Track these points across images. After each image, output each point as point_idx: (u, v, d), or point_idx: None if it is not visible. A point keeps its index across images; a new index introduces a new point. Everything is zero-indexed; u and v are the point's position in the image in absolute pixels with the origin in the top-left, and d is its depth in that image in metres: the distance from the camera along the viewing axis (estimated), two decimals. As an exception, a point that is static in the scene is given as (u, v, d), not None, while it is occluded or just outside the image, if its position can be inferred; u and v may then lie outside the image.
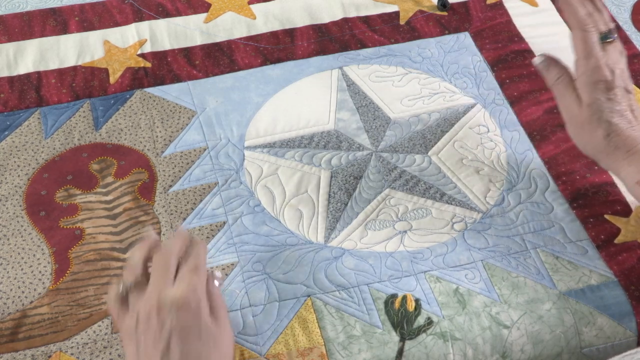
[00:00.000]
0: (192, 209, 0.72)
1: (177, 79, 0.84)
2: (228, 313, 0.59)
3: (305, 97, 0.82)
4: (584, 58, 0.67)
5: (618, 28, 0.90)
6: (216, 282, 0.59)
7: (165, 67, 0.85)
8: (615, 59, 0.67)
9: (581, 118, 0.67)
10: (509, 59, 0.87)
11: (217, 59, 0.86)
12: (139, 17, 0.90)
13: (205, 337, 0.54)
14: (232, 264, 0.68)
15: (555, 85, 0.70)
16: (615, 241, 0.70)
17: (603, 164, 0.68)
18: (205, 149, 0.77)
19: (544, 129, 0.79)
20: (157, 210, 0.71)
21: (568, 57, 0.88)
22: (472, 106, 0.82)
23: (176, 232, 0.64)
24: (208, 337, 0.54)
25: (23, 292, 0.66)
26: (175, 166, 0.75)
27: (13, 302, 0.65)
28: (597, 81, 0.66)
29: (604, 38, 0.67)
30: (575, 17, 0.68)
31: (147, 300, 0.55)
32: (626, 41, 0.89)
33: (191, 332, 0.53)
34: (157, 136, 0.78)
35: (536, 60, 0.72)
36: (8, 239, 0.69)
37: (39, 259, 0.68)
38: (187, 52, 0.87)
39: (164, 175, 0.74)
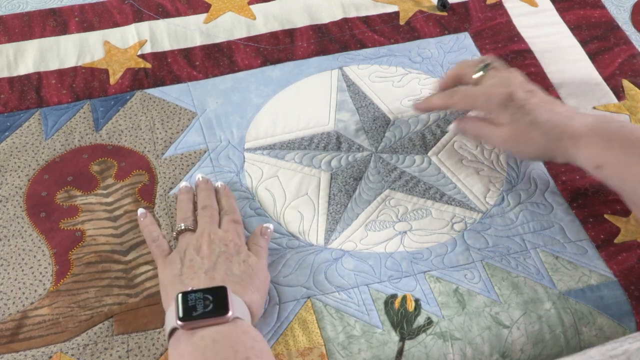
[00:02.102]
0: (193, 210, 0.72)
1: (177, 79, 0.84)
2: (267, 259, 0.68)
3: (305, 98, 0.82)
4: (474, 101, 0.71)
5: (617, 28, 0.90)
6: (271, 226, 0.69)
7: (166, 68, 0.85)
8: (498, 79, 0.70)
9: (511, 136, 0.69)
10: (509, 59, 0.87)
11: (217, 59, 0.86)
12: (139, 17, 0.90)
13: (245, 265, 0.63)
14: (233, 265, 0.68)
15: (477, 132, 0.73)
16: (615, 241, 0.70)
17: (559, 160, 0.69)
18: (205, 151, 0.77)
19: (543, 129, 0.79)
20: (157, 213, 0.71)
21: (568, 57, 0.88)
22: (472, 106, 0.82)
23: (201, 182, 0.72)
24: (247, 266, 0.63)
25: (24, 293, 0.66)
26: (175, 168, 0.75)
27: (14, 303, 0.65)
28: (498, 101, 0.68)
29: (484, 68, 0.71)
30: (445, 102, 0.74)
31: (199, 236, 0.65)
32: (626, 41, 0.89)
33: (234, 259, 0.63)
34: (157, 138, 0.78)
35: (451, 130, 0.76)
36: (8, 240, 0.69)
37: (39, 260, 0.68)
38: (187, 53, 0.87)
39: (165, 178, 0.74)
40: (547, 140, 0.67)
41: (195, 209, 0.70)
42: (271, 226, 0.70)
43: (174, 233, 0.68)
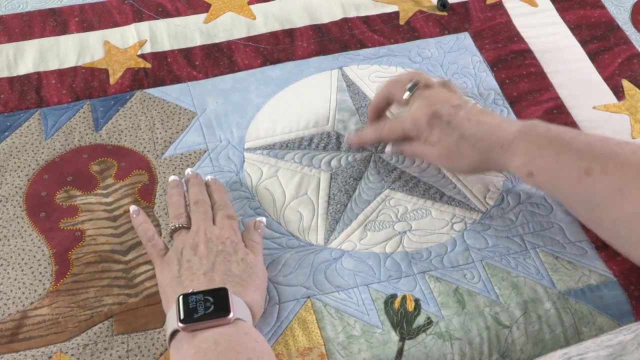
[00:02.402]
0: (193, 210, 0.72)
1: (177, 79, 0.84)
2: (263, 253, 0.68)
3: (305, 98, 0.82)
4: (402, 128, 0.71)
5: (617, 28, 0.90)
6: (264, 219, 0.69)
7: (165, 68, 0.85)
8: (423, 99, 0.70)
9: (443, 153, 0.69)
10: (509, 59, 0.87)
11: (217, 59, 0.86)
12: (138, 17, 0.90)
13: (243, 264, 0.63)
14: (232, 265, 0.68)
15: (413, 153, 0.73)
16: (615, 242, 0.70)
17: (495, 170, 0.69)
18: (205, 151, 0.77)
19: (543, 129, 0.79)
20: (157, 213, 0.71)
21: (568, 57, 0.88)
22: (472, 106, 0.82)
23: (192, 176, 0.72)
24: (246, 265, 0.63)
25: (23, 293, 0.66)
26: (175, 168, 0.75)
27: (13, 302, 0.65)
28: (424, 123, 0.68)
29: (412, 88, 0.71)
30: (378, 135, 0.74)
31: (194, 234, 0.64)
32: (626, 41, 0.89)
33: (233, 258, 0.63)
34: (157, 137, 0.78)
35: (387, 153, 0.76)
36: (8, 240, 0.69)
37: (39, 260, 0.68)
38: (187, 53, 0.87)
39: (164, 177, 0.74)
40: (478, 152, 0.67)
41: (186, 203, 0.70)
42: (264, 219, 0.70)
43: (169, 230, 0.67)
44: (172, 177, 0.72)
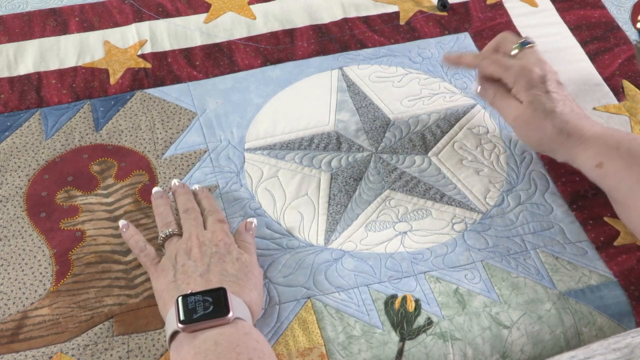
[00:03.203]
0: (193, 210, 0.72)
1: (177, 79, 0.84)
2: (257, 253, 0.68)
3: (305, 98, 0.82)
4: (505, 70, 0.70)
5: (617, 28, 0.90)
6: (254, 221, 0.69)
7: (166, 68, 0.85)
8: (535, 59, 0.70)
9: (526, 116, 0.69)
10: (509, 59, 0.87)
11: (217, 59, 0.86)
12: (139, 17, 0.90)
13: (238, 263, 0.63)
14: (233, 265, 0.68)
15: (495, 100, 0.73)
16: (615, 243, 0.70)
17: (559, 155, 0.70)
18: (205, 151, 0.77)
19: (543, 129, 0.79)
20: (157, 212, 0.72)
21: (568, 57, 0.88)
22: (472, 107, 0.82)
23: (178, 186, 0.72)
24: (242, 264, 0.63)
25: (24, 293, 0.66)
26: (175, 168, 0.75)
27: (14, 303, 0.65)
28: (529, 79, 0.69)
29: (524, 44, 0.71)
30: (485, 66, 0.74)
31: (187, 239, 0.65)
32: (626, 41, 0.89)
33: (227, 259, 0.63)
34: (157, 138, 0.78)
35: (474, 90, 0.76)
36: (9, 240, 0.69)
37: (39, 260, 0.68)
38: (187, 53, 0.87)
39: (165, 178, 0.74)
40: (557, 133, 0.67)
41: (174, 213, 0.69)
42: (255, 221, 0.69)
43: (159, 240, 0.67)
44: (155, 189, 0.71)
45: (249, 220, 0.69)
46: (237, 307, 0.58)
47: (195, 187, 0.72)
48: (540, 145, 0.71)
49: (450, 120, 0.80)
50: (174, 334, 0.58)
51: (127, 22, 0.90)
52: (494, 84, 0.73)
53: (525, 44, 0.72)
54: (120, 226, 0.68)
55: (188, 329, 0.56)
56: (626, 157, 0.64)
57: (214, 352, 0.54)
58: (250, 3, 0.93)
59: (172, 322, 0.57)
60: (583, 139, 0.67)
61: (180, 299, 0.57)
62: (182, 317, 0.56)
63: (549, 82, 0.69)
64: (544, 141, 0.69)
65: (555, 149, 0.69)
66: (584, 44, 0.89)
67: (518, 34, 0.90)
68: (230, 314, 0.57)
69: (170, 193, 0.72)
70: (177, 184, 0.72)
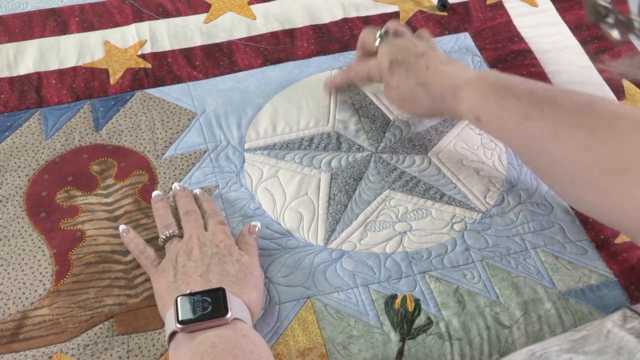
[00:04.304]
0: (193, 210, 0.72)
1: (177, 79, 0.84)
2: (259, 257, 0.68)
3: (306, 98, 0.82)
4: (369, 73, 0.76)
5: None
6: (258, 224, 0.70)
7: (166, 68, 0.85)
8: (388, 47, 0.74)
9: (401, 96, 0.73)
10: (509, 59, 0.87)
11: (217, 59, 0.86)
12: (139, 17, 0.90)
13: (239, 264, 0.63)
14: (233, 265, 0.68)
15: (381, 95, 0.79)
16: (615, 241, 0.70)
17: (447, 116, 0.73)
18: (205, 151, 0.77)
19: (543, 129, 0.79)
20: (157, 212, 0.72)
21: (568, 57, 0.88)
22: (472, 106, 0.82)
23: (179, 190, 0.72)
24: (242, 265, 0.63)
25: (24, 293, 0.66)
26: (175, 168, 0.75)
27: (14, 303, 0.65)
28: (386, 67, 0.73)
29: (381, 36, 0.76)
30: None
31: (188, 240, 0.65)
32: (626, 41, 0.88)
33: (227, 259, 0.63)
34: (157, 138, 0.78)
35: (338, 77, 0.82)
36: (9, 240, 0.69)
37: (39, 260, 0.68)
38: (187, 53, 0.87)
39: (165, 178, 0.74)
40: (432, 98, 0.70)
41: (174, 215, 0.70)
42: (259, 224, 0.70)
43: (160, 241, 0.67)
44: (155, 192, 0.72)
45: (252, 223, 0.69)
46: (236, 307, 0.58)
47: (196, 190, 0.72)
48: (426, 114, 0.75)
49: (450, 120, 0.80)
50: (173, 333, 0.58)
51: (127, 22, 0.90)
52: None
53: (382, 35, 0.76)
54: (121, 231, 0.68)
55: (186, 329, 0.56)
56: (496, 108, 0.65)
57: (210, 354, 0.54)
58: (250, 3, 0.93)
59: (170, 322, 0.57)
60: (455, 93, 0.68)
61: (179, 299, 0.57)
62: (180, 317, 0.56)
63: (402, 60, 0.72)
64: (425, 110, 0.73)
65: (440, 112, 0.72)
66: (584, 43, 0.89)
67: (518, 34, 0.90)
68: (229, 315, 0.56)
69: (171, 196, 0.72)
70: (177, 187, 0.72)
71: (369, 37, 0.77)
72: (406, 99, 0.73)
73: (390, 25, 0.76)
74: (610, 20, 0.66)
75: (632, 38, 0.72)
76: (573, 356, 0.47)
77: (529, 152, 0.64)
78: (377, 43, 0.75)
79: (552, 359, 0.47)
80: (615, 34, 0.70)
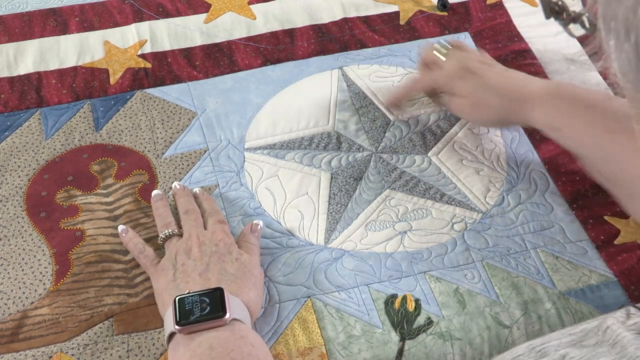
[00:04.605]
0: (193, 210, 0.72)
1: (177, 79, 0.84)
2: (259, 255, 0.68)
3: (305, 97, 0.82)
4: (436, 83, 0.76)
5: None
6: (260, 222, 0.69)
7: (166, 68, 0.85)
8: (456, 56, 0.74)
9: (471, 102, 0.72)
10: (509, 59, 0.87)
11: (217, 59, 0.86)
12: (139, 17, 0.90)
13: (238, 263, 0.63)
14: (233, 265, 0.68)
15: (449, 107, 0.77)
16: (615, 242, 0.70)
17: (515, 122, 0.73)
18: (205, 151, 0.77)
19: (543, 129, 0.79)
20: (157, 212, 0.71)
21: (568, 57, 0.88)
22: (472, 106, 0.82)
23: (179, 189, 0.72)
24: (241, 264, 0.63)
25: (24, 292, 0.66)
26: (175, 168, 0.75)
27: (14, 302, 0.65)
28: (455, 75, 0.73)
29: (445, 50, 0.76)
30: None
31: (187, 239, 0.65)
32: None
33: (227, 258, 0.63)
34: (157, 137, 0.78)
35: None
36: (9, 240, 0.69)
37: (39, 259, 0.68)
38: (187, 53, 0.87)
39: (165, 177, 0.74)
40: (503, 102, 0.70)
41: (174, 214, 0.70)
42: (261, 222, 0.69)
43: (159, 240, 0.67)
44: (154, 192, 0.71)
45: (255, 222, 0.69)
46: (234, 307, 0.58)
47: (196, 189, 0.72)
48: (495, 121, 0.74)
49: (450, 120, 0.80)
50: (172, 334, 0.58)
51: (127, 22, 0.90)
52: (439, 96, 0.78)
53: (446, 49, 0.76)
54: (119, 231, 0.68)
55: (185, 330, 0.56)
56: (577, 119, 0.64)
57: (208, 356, 0.54)
58: (250, 3, 0.93)
59: (169, 323, 0.57)
60: (530, 100, 0.68)
61: (177, 300, 0.57)
62: (178, 319, 0.56)
63: (473, 68, 0.72)
64: (495, 116, 0.72)
65: (509, 118, 0.71)
66: (584, 43, 0.89)
67: (518, 33, 0.90)
68: (227, 316, 0.56)
69: (170, 195, 0.72)
70: (177, 186, 0.72)
71: (431, 53, 0.76)
72: (478, 105, 0.72)
73: (454, 42, 0.77)
74: (565, 16, 0.66)
75: (573, 28, 0.73)
76: (570, 351, 0.47)
77: (607, 165, 0.64)
78: (443, 57, 0.75)
79: (550, 354, 0.47)
80: (572, 29, 0.71)
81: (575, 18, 0.67)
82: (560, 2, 0.68)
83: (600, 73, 0.85)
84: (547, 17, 0.69)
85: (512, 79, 0.71)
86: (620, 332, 0.47)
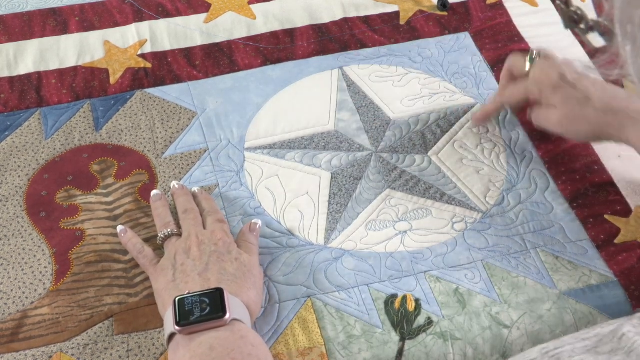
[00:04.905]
0: (193, 210, 0.72)
1: (177, 79, 0.84)
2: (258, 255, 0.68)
3: (306, 97, 0.82)
4: (526, 92, 0.72)
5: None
6: (259, 222, 0.69)
7: (166, 68, 0.85)
8: (545, 65, 0.71)
9: (566, 115, 0.69)
10: (509, 59, 0.87)
11: (217, 59, 0.86)
12: (139, 17, 0.90)
13: (237, 263, 0.63)
14: (233, 265, 0.68)
15: (536, 119, 0.73)
16: (616, 241, 0.70)
17: (611, 139, 0.68)
18: (205, 151, 0.77)
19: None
20: (157, 212, 0.71)
21: (568, 57, 0.88)
22: (472, 106, 0.82)
23: (178, 188, 0.72)
24: (240, 264, 0.63)
25: (24, 292, 0.66)
26: (175, 167, 0.75)
27: (14, 302, 0.65)
28: (549, 84, 0.69)
29: (531, 59, 0.72)
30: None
31: (186, 238, 0.64)
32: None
33: (226, 258, 0.63)
34: (157, 137, 0.78)
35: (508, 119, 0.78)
36: (9, 240, 0.69)
37: (39, 259, 0.68)
38: (187, 53, 0.87)
39: (165, 177, 0.74)
40: (602, 116, 0.66)
41: (173, 214, 0.70)
42: (260, 222, 0.69)
43: (159, 240, 0.67)
44: (154, 192, 0.71)
45: (254, 221, 0.69)
46: (234, 307, 0.58)
47: (195, 189, 0.72)
48: (591, 135, 0.70)
49: (450, 120, 0.80)
50: (172, 334, 0.58)
51: (127, 22, 0.90)
52: (525, 108, 0.74)
53: (533, 57, 0.72)
54: (118, 231, 0.68)
55: (185, 330, 0.56)
56: None
57: (208, 356, 0.54)
58: (250, 3, 0.93)
59: (169, 324, 0.57)
60: (633, 118, 0.65)
61: (177, 300, 0.57)
62: (178, 319, 0.56)
63: (569, 75, 0.69)
64: (593, 129, 0.68)
65: (607, 132, 0.68)
66: (584, 43, 0.89)
67: (518, 33, 0.90)
68: (227, 316, 0.56)
69: (170, 195, 0.72)
70: (176, 186, 0.72)
71: (519, 60, 0.74)
72: (573, 117, 0.68)
73: (539, 49, 0.73)
74: (583, 26, 0.65)
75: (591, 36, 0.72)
76: (584, 357, 0.46)
77: None
78: (527, 66, 0.72)
79: (564, 359, 0.47)
80: (591, 39, 0.69)
81: (595, 27, 0.66)
82: (579, 11, 0.66)
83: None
84: (566, 26, 0.67)
85: (610, 92, 0.67)
86: (637, 340, 0.47)
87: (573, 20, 0.65)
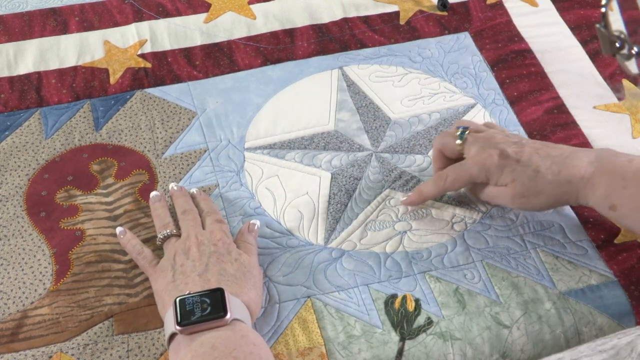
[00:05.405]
0: (193, 210, 0.72)
1: (177, 79, 0.84)
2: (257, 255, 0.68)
3: (306, 97, 0.82)
4: (470, 175, 0.68)
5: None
6: (257, 222, 0.69)
7: (166, 68, 0.85)
8: (478, 142, 0.68)
9: (520, 193, 0.66)
10: (509, 59, 0.87)
11: (217, 59, 0.86)
12: (139, 17, 0.90)
13: (237, 263, 0.63)
14: (233, 265, 0.68)
15: (485, 198, 0.70)
16: (615, 241, 0.70)
17: (572, 203, 0.67)
18: (205, 151, 0.77)
19: (544, 128, 0.79)
20: (157, 212, 0.71)
21: (568, 57, 0.88)
22: (472, 106, 0.82)
23: (176, 190, 0.72)
24: (240, 264, 0.63)
25: (24, 292, 0.66)
26: (175, 167, 0.75)
27: (14, 302, 0.65)
28: (492, 165, 0.66)
29: (462, 135, 0.69)
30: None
31: (185, 239, 0.64)
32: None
33: (226, 258, 0.63)
34: (157, 137, 0.78)
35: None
36: (8, 240, 0.69)
37: (39, 259, 0.68)
38: (187, 53, 0.87)
39: (165, 177, 0.74)
40: (556, 186, 0.64)
41: (172, 215, 0.70)
42: (258, 222, 0.69)
43: (158, 241, 0.67)
44: (153, 193, 0.71)
45: (252, 221, 0.69)
46: (235, 308, 0.58)
47: (193, 190, 0.72)
48: (550, 206, 0.68)
49: (450, 120, 0.80)
50: (173, 335, 0.58)
51: (127, 22, 0.90)
52: (471, 188, 0.71)
53: (462, 134, 0.69)
54: (117, 232, 0.68)
55: (186, 330, 0.56)
56: (638, 197, 0.60)
57: (210, 356, 0.54)
58: (250, 3, 0.93)
59: (170, 324, 0.57)
60: (584, 179, 0.63)
61: (177, 301, 0.57)
62: (179, 319, 0.56)
63: (510, 152, 0.65)
64: (549, 201, 0.66)
65: (565, 200, 0.66)
66: (584, 43, 0.89)
67: (518, 33, 0.90)
68: (228, 316, 0.56)
69: (168, 196, 0.72)
70: (175, 187, 0.72)
71: (448, 140, 0.70)
72: (526, 193, 0.65)
73: (466, 123, 0.71)
74: (625, 51, 0.61)
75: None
76: None
77: None
78: (458, 142, 0.69)
79: None
80: (631, 66, 0.64)
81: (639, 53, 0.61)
82: (622, 35, 0.60)
83: (601, 73, 0.85)
84: (606, 51, 0.62)
85: (557, 158, 0.64)
86: None
87: (614, 45, 0.61)
